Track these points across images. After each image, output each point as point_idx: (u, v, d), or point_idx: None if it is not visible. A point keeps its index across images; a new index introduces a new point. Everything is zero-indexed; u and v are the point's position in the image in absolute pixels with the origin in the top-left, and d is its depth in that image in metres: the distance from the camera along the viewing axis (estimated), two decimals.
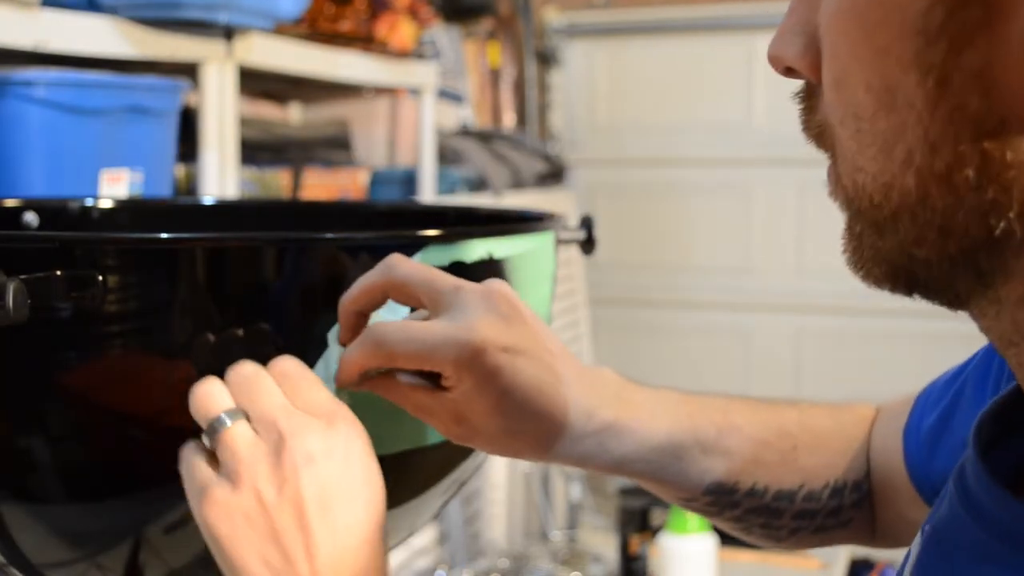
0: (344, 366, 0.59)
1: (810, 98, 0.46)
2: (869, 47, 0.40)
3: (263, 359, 0.57)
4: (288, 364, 0.57)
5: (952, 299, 0.44)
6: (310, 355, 0.59)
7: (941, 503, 0.51)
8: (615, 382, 0.67)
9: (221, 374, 0.57)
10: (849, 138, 0.42)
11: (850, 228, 0.45)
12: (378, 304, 0.60)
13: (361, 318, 0.60)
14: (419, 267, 0.60)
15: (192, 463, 0.56)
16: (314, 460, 0.53)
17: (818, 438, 0.75)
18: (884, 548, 0.77)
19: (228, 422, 0.54)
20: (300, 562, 0.53)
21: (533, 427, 0.62)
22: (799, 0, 0.45)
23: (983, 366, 0.64)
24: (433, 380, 0.61)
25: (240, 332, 0.58)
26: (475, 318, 0.59)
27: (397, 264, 0.59)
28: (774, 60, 0.46)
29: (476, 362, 0.59)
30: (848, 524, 0.74)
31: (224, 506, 0.53)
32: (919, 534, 0.53)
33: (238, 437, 0.54)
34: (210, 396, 0.55)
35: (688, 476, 0.70)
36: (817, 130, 0.45)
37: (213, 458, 0.55)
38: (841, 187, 0.44)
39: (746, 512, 0.72)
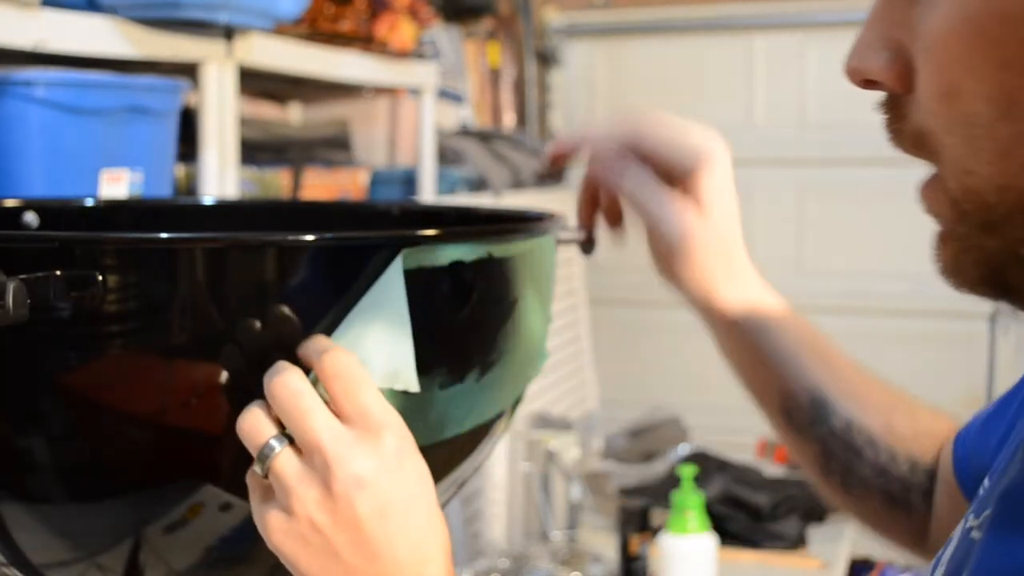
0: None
1: (896, 108, 0.48)
2: (990, 61, 0.42)
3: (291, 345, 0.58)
4: (340, 363, 0.56)
5: None
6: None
7: (1001, 471, 0.54)
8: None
9: (253, 368, 0.57)
10: (959, 144, 0.44)
11: (950, 232, 0.47)
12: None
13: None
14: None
15: (251, 488, 0.58)
16: (364, 482, 0.55)
17: (914, 412, 0.79)
18: (923, 557, 0.78)
19: (275, 449, 0.56)
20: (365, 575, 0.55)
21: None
22: (877, 17, 0.48)
23: None
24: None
25: (265, 324, 0.58)
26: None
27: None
28: (854, 72, 0.48)
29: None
30: (910, 510, 0.77)
31: (283, 531, 0.55)
32: (963, 521, 0.56)
33: (285, 466, 0.55)
34: (255, 423, 0.56)
35: (803, 374, 0.78)
36: (914, 138, 0.47)
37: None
38: (944, 191, 0.46)
39: (835, 442, 0.77)
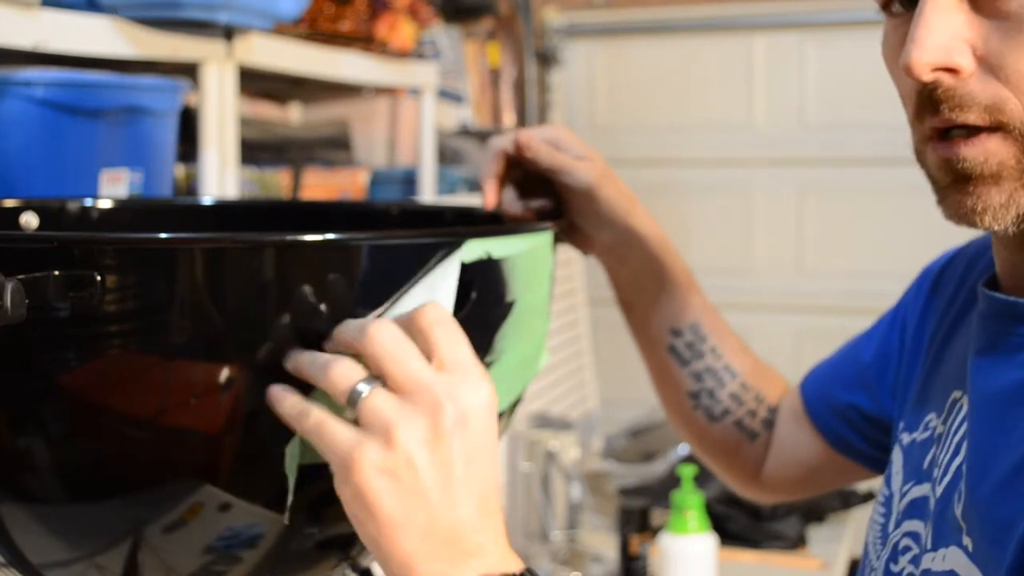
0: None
1: (960, 91, 0.61)
2: None
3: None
4: (431, 315, 0.58)
5: None
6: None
7: (959, 353, 0.70)
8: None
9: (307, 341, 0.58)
10: None
11: (1006, 176, 0.60)
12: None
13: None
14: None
15: (331, 427, 0.57)
16: (466, 421, 0.56)
17: (756, 358, 0.96)
18: (755, 493, 0.98)
19: (366, 390, 0.56)
20: (443, 519, 0.56)
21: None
22: (942, 22, 0.60)
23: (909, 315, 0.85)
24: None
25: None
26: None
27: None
28: (929, 66, 0.60)
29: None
30: (754, 439, 0.95)
31: (374, 465, 0.55)
32: (896, 442, 0.76)
33: (384, 401, 0.56)
34: (344, 369, 0.57)
35: (688, 306, 0.92)
36: (988, 107, 0.60)
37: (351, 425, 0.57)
38: (1015, 138, 0.60)
39: (706, 370, 0.93)
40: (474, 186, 2.22)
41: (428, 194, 2.01)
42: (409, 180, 2.04)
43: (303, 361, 0.58)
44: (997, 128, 0.60)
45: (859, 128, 2.84)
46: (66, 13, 1.13)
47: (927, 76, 0.61)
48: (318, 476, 0.62)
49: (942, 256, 0.84)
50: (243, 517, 0.62)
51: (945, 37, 0.60)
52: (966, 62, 0.61)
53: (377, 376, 0.57)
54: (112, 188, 1.16)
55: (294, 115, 2.16)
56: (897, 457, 0.76)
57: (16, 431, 0.59)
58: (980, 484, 0.62)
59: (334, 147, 2.05)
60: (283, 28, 1.45)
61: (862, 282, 2.91)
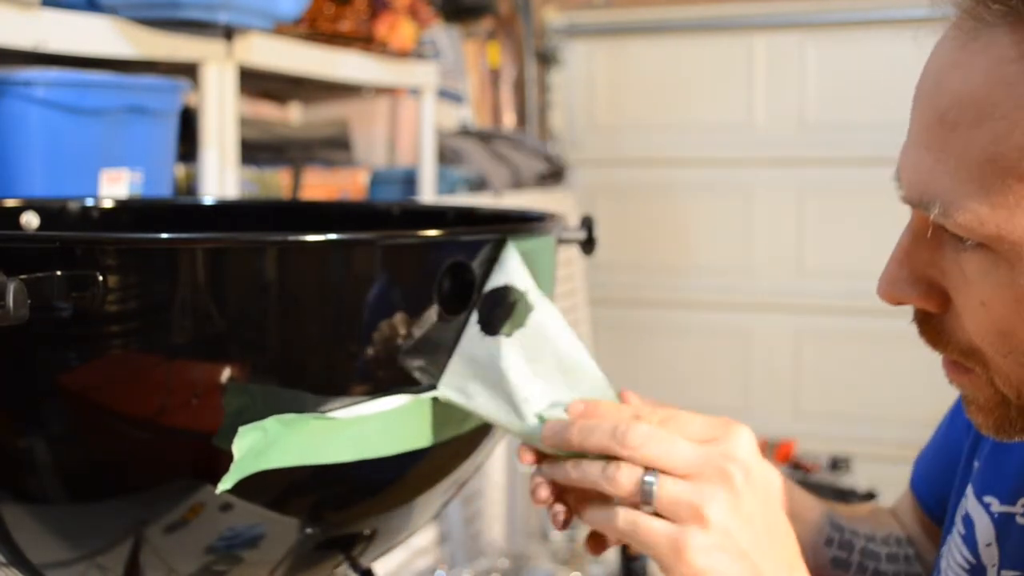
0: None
1: (933, 322, 0.59)
2: None
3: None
4: (662, 409, 0.62)
5: None
6: (310, 353, 0.59)
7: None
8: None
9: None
10: (1012, 365, 0.56)
11: (1004, 413, 0.58)
12: None
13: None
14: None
15: (645, 525, 0.60)
16: (750, 470, 0.60)
17: (863, 509, 0.90)
18: None
19: (655, 480, 0.59)
20: (766, 569, 0.59)
21: None
22: (903, 259, 0.59)
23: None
24: None
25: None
26: None
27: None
28: (890, 296, 0.59)
29: None
30: (923, 569, 0.85)
31: (701, 548, 0.58)
32: (983, 506, 0.69)
33: (678, 488, 0.59)
34: (627, 470, 0.60)
35: (817, 529, 0.84)
36: (962, 351, 0.58)
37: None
38: (990, 384, 0.58)
39: (854, 553, 0.84)
40: (474, 186, 2.22)
41: (428, 194, 2.01)
42: (409, 180, 2.04)
43: (577, 473, 0.61)
44: (973, 368, 0.59)
45: (859, 128, 2.84)
46: (66, 13, 1.13)
47: (894, 304, 0.60)
48: (319, 476, 0.62)
49: None
50: (244, 517, 0.62)
51: (903, 274, 0.59)
52: (926, 302, 0.59)
53: (652, 468, 0.59)
54: (112, 188, 1.16)
55: (294, 115, 2.16)
56: (981, 524, 0.69)
57: (17, 431, 0.59)
58: None
59: (334, 147, 2.05)
60: (283, 28, 1.45)
61: (862, 282, 2.90)
